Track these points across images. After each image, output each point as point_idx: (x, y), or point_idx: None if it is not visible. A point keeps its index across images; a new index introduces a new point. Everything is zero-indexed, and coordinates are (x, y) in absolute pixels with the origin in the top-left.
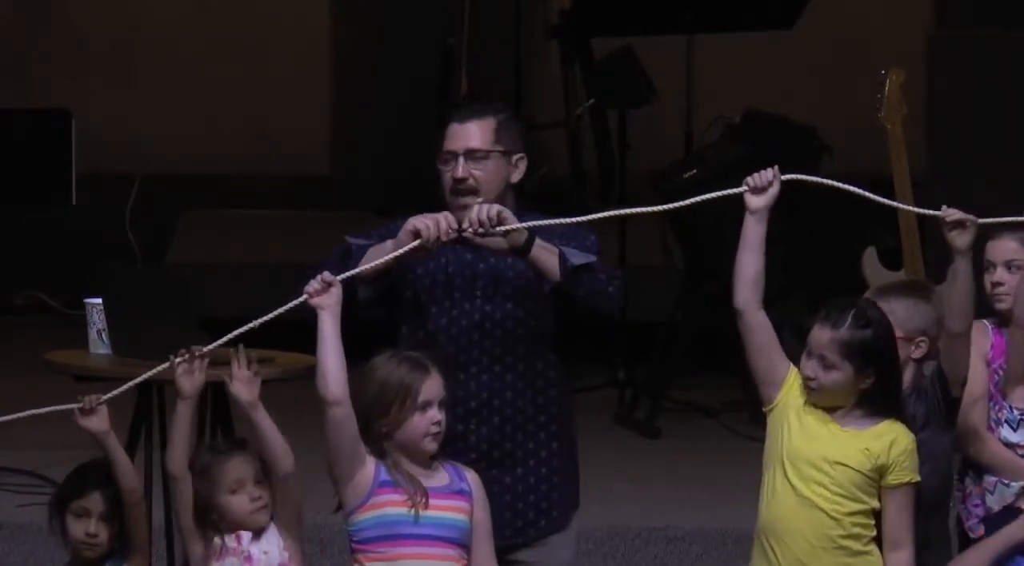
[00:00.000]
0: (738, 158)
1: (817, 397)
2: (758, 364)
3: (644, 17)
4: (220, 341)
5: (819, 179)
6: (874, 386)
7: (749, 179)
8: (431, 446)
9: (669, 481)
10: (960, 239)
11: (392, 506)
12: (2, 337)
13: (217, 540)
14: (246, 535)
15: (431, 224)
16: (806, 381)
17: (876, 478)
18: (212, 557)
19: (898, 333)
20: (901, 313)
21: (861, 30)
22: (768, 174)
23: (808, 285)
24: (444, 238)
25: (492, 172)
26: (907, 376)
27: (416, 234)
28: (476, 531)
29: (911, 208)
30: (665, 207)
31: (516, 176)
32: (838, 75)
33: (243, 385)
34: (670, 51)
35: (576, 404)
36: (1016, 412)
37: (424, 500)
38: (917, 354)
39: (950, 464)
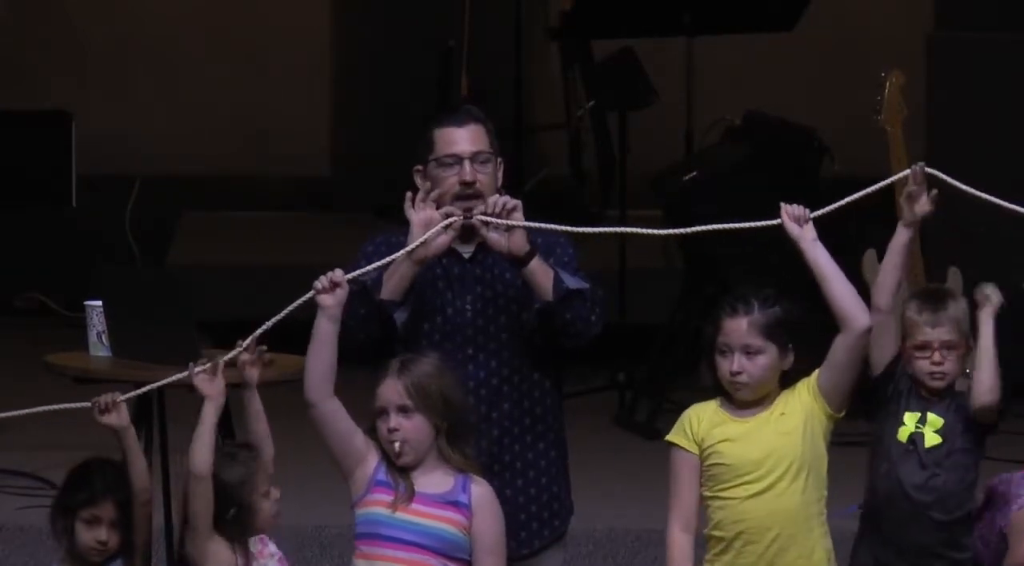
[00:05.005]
0: (739, 160)
1: (746, 392)
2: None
3: (644, 19)
4: (235, 351)
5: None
6: (795, 365)
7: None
8: (401, 455)
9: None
10: (908, 205)
11: (376, 505)
12: (2, 339)
13: (250, 545)
14: (269, 541)
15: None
16: (733, 379)
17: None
18: (250, 561)
19: (954, 337)
20: (961, 314)
21: (861, 31)
22: (798, 210)
23: (807, 285)
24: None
25: (491, 175)
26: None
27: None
28: (478, 544)
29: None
30: (669, 231)
31: (499, 178)
32: (838, 76)
33: (253, 367)
34: (670, 53)
35: (571, 409)
36: None
37: (404, 502)
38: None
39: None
